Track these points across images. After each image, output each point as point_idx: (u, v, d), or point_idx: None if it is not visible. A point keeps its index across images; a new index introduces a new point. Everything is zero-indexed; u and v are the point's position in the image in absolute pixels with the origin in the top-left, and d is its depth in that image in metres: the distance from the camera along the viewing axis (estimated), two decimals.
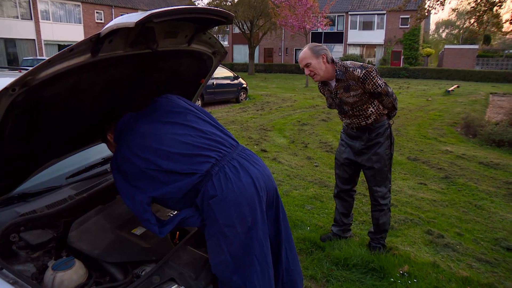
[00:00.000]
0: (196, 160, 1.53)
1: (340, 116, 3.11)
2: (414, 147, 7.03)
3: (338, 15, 36.27)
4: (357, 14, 35.93)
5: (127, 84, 1.82)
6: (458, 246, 3.38)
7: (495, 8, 9.24)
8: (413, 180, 5.17)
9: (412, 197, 4.54)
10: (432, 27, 64.43)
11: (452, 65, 32.27)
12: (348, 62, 2.86)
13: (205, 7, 1.61)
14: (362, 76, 2.77)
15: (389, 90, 2.89)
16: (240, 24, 28.89)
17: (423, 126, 9.28)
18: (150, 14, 1.32)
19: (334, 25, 36.45)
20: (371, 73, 2.76)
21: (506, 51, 41.13)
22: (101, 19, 30.92)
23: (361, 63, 2.85)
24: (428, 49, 38.75)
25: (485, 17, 9.89)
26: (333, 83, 2.89)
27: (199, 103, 12.04)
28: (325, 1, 18.98)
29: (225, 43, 41.39)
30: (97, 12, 30.73)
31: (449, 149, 6.92)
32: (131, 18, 1.31)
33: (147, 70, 1.84)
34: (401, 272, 2.92)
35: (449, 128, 9.11)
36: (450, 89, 18.12)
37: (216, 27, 28.28)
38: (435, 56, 42.88)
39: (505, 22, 9.53)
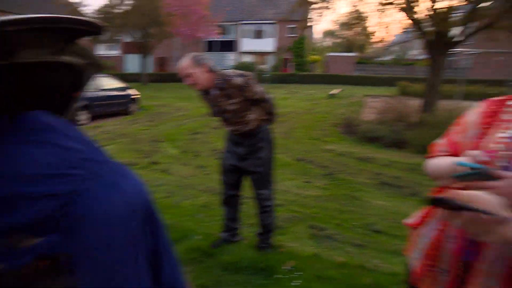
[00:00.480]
0: (59, 180, 1.43)
1: (224, 124, 3.19)
2: (301, 148, 7.55)
3: (231, 24, 37.27)
4: (249, 24, 37.39)
5: None
6: (337, 236, 3.70)
7: (363, 22, 10.47)
8: (300, 179, 5.54)
9: (299, 195, 4.85)
10: (319, 36, 70.06)
11: (335, 71, 35.52)
12: (229, 70, 2.95)
13: (70, 16, 1.52)
14: (242, 84, 2.87)
15: (267, 96, 3.06)
16: (132, 32, 27.80)
17: (310, 128, 10.02)
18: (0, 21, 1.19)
19: (227, 33, 37.36)
20: (250, 81, 2.89)
21: (378, 59, 46.71)
22: None
23: (241, 72, 2.96)
24: (315, 56, 42.05)
25: (356, 29, 11.11)
26: (214, 92, 2.96)
27: (86, 116, 11.24)
28: (218, 11, 19.33)
29: (116, 52, 39.48)
30: None
31: (332, 147, 7.60)
32: None
33: (5, 85, 1.66)
34: (286, 267, 3.09)
35: (333, 128, 9.99)
36: (333, 92, 19.89)
37: (106, 36, 26.81)
38: (321, 62, 46.59)
39: (372, 34, 10.84)
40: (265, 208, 3.25)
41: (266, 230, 3.33)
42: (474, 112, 1.37)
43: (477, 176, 1.08)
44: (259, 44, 37.45)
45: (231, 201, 3.37)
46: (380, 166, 6.30)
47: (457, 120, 1.42)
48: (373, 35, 10.82)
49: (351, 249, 3.45)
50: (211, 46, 36.91)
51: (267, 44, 37.46)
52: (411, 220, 1.49)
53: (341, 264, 3.15)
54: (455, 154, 1.35)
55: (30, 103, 1.96)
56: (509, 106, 1.28)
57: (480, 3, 8.43)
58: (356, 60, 39.67)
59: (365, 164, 6.36)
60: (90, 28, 1.70)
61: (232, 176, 3.26)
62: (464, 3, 9.10)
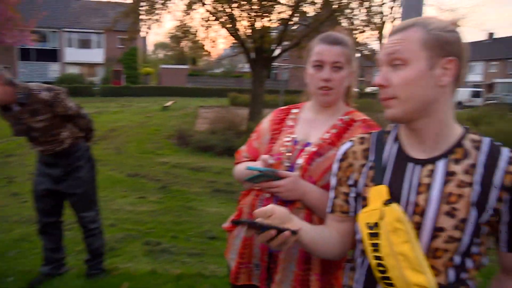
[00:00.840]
0: None
1: (31, 144, 2.81)
2: (134, 163, 7.27)
3: (51, 31, 33.27)
4: (74, 32, 34.08)
5: None
6: (173, 248, 3.68)
7: (190, 36, 10.81)
8: (133, 195, 5.32)
9: (132, 212, 4.65)
10: (151, 47, 68.96)
11: (169, 83, 35.57)
12: (34, 84, 2.63)
13: None
14: (50, 99, 2.58)
15: (82, 111, 2.82)
16: None
17: (143, 141, 9.76)
18: None
19: (48, 41, 33.27)
20: (60, 96, 2.62)
21: (210, 71, 48.98)
22: None
23: (49, 86, 2.66)
24: (147, 69, 41.23)
25: (184, 42, 11.40)
26: (16, 108, 2.57)
27: None
28: (33, 14, 16.94)
29: None
30: None
31: (166, 160, 7.56)
32: None
33: None
34: None
35: (166, 140, 9.97)
36: (166, 104, 19.88)
37: None
38: (155, 75, 46.04)
39: (200, 47, 11.28)
40: (91, 232, 2.99)
41: (96, 254, 3.07)
42: (266, 120, 1.56)
43: (265, 177, 1.24)
44: (86, 55, 34.43)
45: (49, 229, 2.98)
46: (213, 174, 6.58)
47: (256, 128, 1.60)
48: (202, 49, 11.33)
49: (188, 259, 3.48)
50: (27, 55, 32.20)
51: (96, 55, 34.83)
52: (227, 224, 1.60)
53: (178, 276, 3.14)
54: (255, 159, 1.52)
55: None
56: (293, 113, 1.51)
57: (288, 26, 9.75)
58: (189, 72, 40.66)
59: (199, 174, 6.55)
60: None
61: (48, 202, 2.89)
62: (277, 24, 10.37)
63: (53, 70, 33.56)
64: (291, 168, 1.35)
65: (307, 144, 1.37)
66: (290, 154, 1.37)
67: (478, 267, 0.96)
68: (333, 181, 1.14)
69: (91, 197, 2.96)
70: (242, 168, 1.50)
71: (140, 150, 8.58)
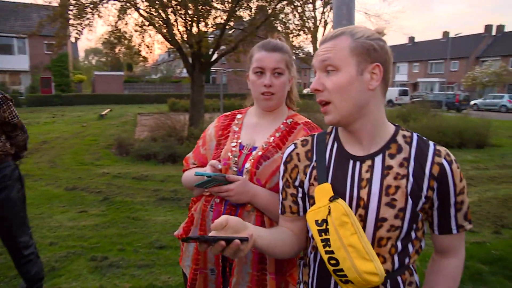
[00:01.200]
0: None
1: None
2: (72, 176, 6.88)
3: None
4: None
5: None
6: (121, 262, 3.55)
7: (125, 41, 10.45)
8: (73, 210, 5.04)
9: (73, 228, 4.41)
10: (82, 54, 65.57)
11: (104, 90, 34.04)
12: None
13: None
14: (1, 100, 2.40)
15: (23, 126, 2.63)
16: None
17: (80, 153, 9.25)
18: None
19: None
20: (9, 101, 2.44)
21: (147, 77, 47.63)
22: None
23: None
24: (80, 76, 39.13)
25: (118, 48, 10.99)
26: None
27: None
28: None
29: None
30: None
31: (106, 171, 7.24)
32: None
33: None
34: None
35: (105, 150, 9.54)
36: (103, 113, 19.02)
37: None
38: (88, 82, 43.83)
39: (135, 53, 10.94)
40: (27, 258, 2.70)
41: (34, 280, 2.80)
42: (211, 126, 1.60)
43: (214, 182, 1.28)
44: (8, 61, 31.66)
45: None
46: (157, 182, 6.43)
47: (202, 134, 1.63)
48: (138, 55, 10.99)
49: (138, 272, 3.39)
50: None
51: (20, 62, 32.21)
52: (178, 231, 1.61)
53: None
54: (203, 165, 1.55)
55: None
56: (237, 119, 1.56)
57: (225, 31, 9.82)
58: (124, 79, 39.23)
59: (142, 183, 6.37)
60: None
61: None
62: (213, 30, 10.40)
63: None
64: (239, 173, 1.39)
65: (253, 149, 1.42)
66: (237, 159, 1.41)
67: (417, 251, 1.06)
68: (281, 184, 1.20)
69: (23, 219, 2.69)
70: (190, 174, 1.52)
71: (77, 162, 8.12)
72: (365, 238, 0.97)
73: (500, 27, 45.32)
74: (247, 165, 1.38)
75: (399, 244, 1.01)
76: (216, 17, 9.90)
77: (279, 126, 1.45)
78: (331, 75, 1.00)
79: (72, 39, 11.26)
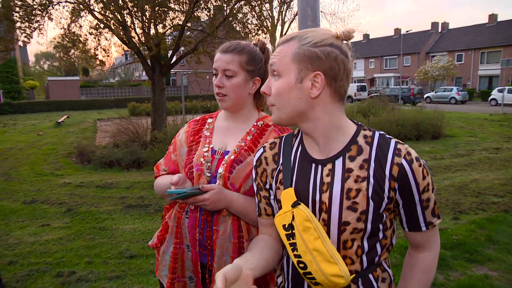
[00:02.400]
0: None
1: None
2: (30, 188, 6.54)
3: None
4: None
5: None
6: (90, 275, 3.42)
7: (80, 45, 10.03)
8: (34, 224, 4.79)
9: (35, 243, 4.19)
10: (32, 58, 62.44)
11: (59, 96, 32.63)
12: None
13: None
14: None
15: None
16: None
17: (37, 163, 8.81)
18: None
19: None
20: None
21: (104, 81, 46.14)
22: None
23: None
24: (32, 81, 37.29)
25: (72, 52, 10.55)
26: None
27: None
28: None
29: None
30: None
31: (67, 180, 6.94)
32: None
33: None
34: None
35: (65, 159, 9.14)
36: (60, 120, 18.23)
37: None
38: (41, 88, 41.85)
39: (91, 57, 10.53)
40: None
41: None
42: (182, 131, 1.57)
43: (188, 196, 1.23)
44: None
45: None
46: (123, 189, 6.25)
47: (173, 140, 1.59)
48: (94, 58, 10.57)
49: (109, 284, 3.28)
50: None
51: None
52: (152, 240, 1.57)
53: None
54: (174, 172, 1.53)
55: None
56: (208, 123, 1.54)
57: (183, 32, 9.68)
58: (80, 84, 37.79)
59: (107, 191, 6.17)
60: None
61: None
62: (171, 31, 10.22)
63: None
64: (213, 178, 1.37)
65: (226, 153, 1.41)
66: (210, 164, 1.39)
67: (388, 248, 1.07)
68: (254, 186, 1.21)
69: None
70: (162, 182, 1.50)
71: (35, 173, 7.72)
72: (328, 242, 0.97)
73: (445, 24, 47.89)
74: (220, 169, 1.36)
75: (365, 245, 1.01)
76: (173, 19, 9.75)
77: (250, 129, 1.44)
78: (276, 80, 1.02)
79: (20, 43, 10.69)
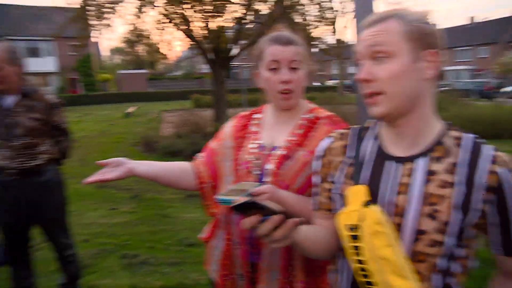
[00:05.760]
0: None
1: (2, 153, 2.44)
2: None
3: None
4: (19, 40, 32.37)
5: None
6: (151, 259, 3.60)
7: (145, 40, 10.59)
8: (104, 207, 5.15)
9: (105, 225, 4.50)
10: (106, 53, 66.90)
11: (128, 88, 34.67)
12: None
13: None
14: (55, 103, 2.49)
15: (70, 132, 2.69)
16: None
17: (108, 151, 9.45)
18: None
19: None
20: (61, 106, 2.54)
21: (170, 74, 48.23)
22: None
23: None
24: (105, 75, 40.00)
25: (139, 46, 11.14)
26: (12, 99, 2.40)
27: None
28: None
29: None
30: None
31: None
32: None
33: None
34: None
35: (132, 148, 9.71)
36: (129, 111, 19.37)
37: None
38: (113, 81, 44.77)
39: (155, 51, 11.05)
40: (68, 258, 2.78)
41: (72, 278, 2.89)
42: (228, 125, 1.51)
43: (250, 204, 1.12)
44: (37, 64, 32.61)
45: (19, 258, 2.75)
46: None
47: (220, 130, 1.56)
48: (159, 52, 11.10)
49: (168, 269, 3.42)
50: None
51: (47, 64, 33.27)
52: (203, 234, 1.56)
53: None
54: (209, 159, 1.48)
55: None
56: (255, 119, 1.47)
57: (243, 25, 9.78)
58: (148, 77, 39.81)
59: None
60: None
61: (18, 231, 2.62)
62: (232, 24, 10.37)
63: None
64: (261, 175, 1.31)
65: (274, 148, 1.33)
66: (259, 161, 1.32)
67: (465, 271, 0.93)
68: (314, 179, 1.12)
69: (64, 222, 2.76)
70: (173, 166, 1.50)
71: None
72: (400, 251, 0.86)
73: None
74: (269, 166, 1.29)
75: (441, 262, 0.88)
76: (233, 11, 9.84)
77: (299, 122, 1.36)
78: (383, 63, 0.88)
79: (94, 39, 11.49)
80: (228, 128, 1.50)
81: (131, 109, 20.11)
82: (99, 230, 4.35)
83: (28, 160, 2.48)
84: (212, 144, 1.52)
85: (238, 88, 20.68)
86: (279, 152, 1.31)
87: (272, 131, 1.39)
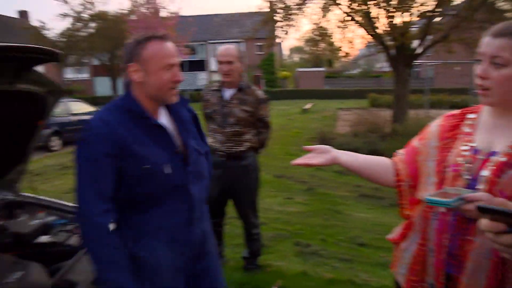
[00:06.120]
0: None
1: (212, 130, 2.94)
2: (280, 165, 7.57)
3: (198, 44, 37.46)
4: (216, 43, 37.65)
5: None
6: (323, 252, 3.69)
7: (327, 38, 10.80)
8: (281, 196, 5.53)
9: (281, 212, 4.84)
10: (287, 52, 71.40)
11: (306, 86, 36.15)
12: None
13: (23, 45, 1.47)
14: (263, 98, 2.86)
15: (270, 124, 3.02)
16: (99, 55, 27.41)
17: (286, 143, 10.10)
18: None
19: (195, 53, 37.52)
20: (268, 101, 2.89)
21: (346, 72, 48.09)
22: None
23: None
24: (285, 73, 42.71)
25: (321, 45, 11.44)
26: (230, 92, 2.87)
27: (58, 142, 10.93)
28: (185, 31, 19.43)
29: (85, 76, 38.75)
30: None
31: None
32: None
33: None
34: (275, 287, 3.05)
35: (308, 143, 10.08)
36: (306, 107, 20.20)
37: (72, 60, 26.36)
38: (292, 78, 47.36)
39: (337, 49, 11.17)
40: (253, 236, 3.16)
41: (254, 254, 3.25)
42: (435, 124, 1.40)
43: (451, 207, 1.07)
44: None
45: (213, 228, 3.23)
46: (358, 178, 6.34)
47: (423, 130, 1.46)
48: (339, 50, 11.27)
49: (338, 264, 3.45)
50: (181, 66, 36.88)
51: None
52: (392, 235, 1.50)
53: (330, 280, 3.13)
54: (410, 157, 1.41)
55: None
56: (469, 119, 1.32)
57: (432, 19, 8.88)
58: (325, 75, 40.60)
59: (344, 177, 6.45)
60: (46, 56, 1.66)
61: (217, 205, 3.02)
62: (418, 19, 9.55)
63: (201, 78, 37.63)
64: (472, 182, 1.17)
65: (492, 154, 1.17)
66: (471, 165, 1.19)
67: None
68: None
69: (255, 204, 3.11)
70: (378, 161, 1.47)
71: (284, 152, 8.90)
72: None
73: None
74: (485, 172, 1.15)
75: None
76: (422, 5, 9.03)
77: None
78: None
79: (280, 40, 12.31)
80: (434, 127, 1.40)
81: (307, 106, 20.93)
82: (275, 216, 4.70)
83: (235, 146, 2.89)
84: (415, 142, 1.45)
85: (419, 88, 19.10)
86: (498, 158, 1.17)
87: (489, 134, 1.24)
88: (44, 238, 2.06)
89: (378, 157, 1.54)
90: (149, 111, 1.54)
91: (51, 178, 6.98)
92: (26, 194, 2.50)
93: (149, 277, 1.51)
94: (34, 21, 32.31)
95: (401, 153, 1.47)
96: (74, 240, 2.05)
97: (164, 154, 1.52)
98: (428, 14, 8.90)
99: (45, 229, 2.15)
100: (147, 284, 1.50)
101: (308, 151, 1.42)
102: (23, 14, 37.90)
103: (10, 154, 2.12)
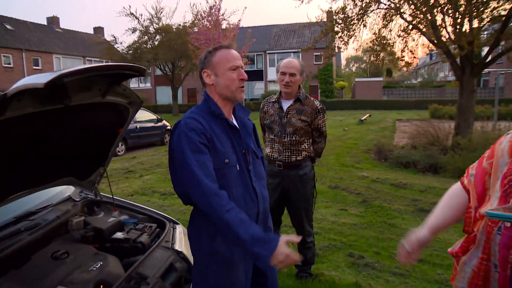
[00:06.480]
0: None
1: (271, 140, 3.07)
2: (334, 176, 7.53)
3: (257, 54, 38.16)
4: (275, 53, 38.11)
5: (43, 137, 1.85)
6: (376, 264, 3.67)
7: (388, 48, 10.53)
8: (335, 207, 5.53)
9: (335, 223, 4.84)
10: (343, 62, 70.34)
11: (363, 96, 35.34)
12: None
13: (116, 64, 1.72)
14: (320, 108, 2.97)
15: (326, 134, 3.11)
16: (161, 66, 29.00)
17: (341, 154, 9.98)
18: (60, 74, 1.37)
19: (254, 63, 38.21)
20: (324, 111, 3.00)
21: (406, 82, 46.28)
22: (10, 63, 29.27)
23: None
24: (342, 83, 42.09)
25: (381, 55, 11.18)
26: (288, 103, 3.00)
27: (122, 147, 11.73)
28: (243, 42, 19.97)
29: (148, 85, 41.04)
30: (4, 56, 29.04)
31: (365, 174, 7.54)
32: (40, 78, 1.34)
33: (62, 123, 1.89)
34: None
35: (364, 154, 9.92)
36: (363, 118, 19.78)
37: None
38: (349, 88, 46.51)
39: (398, 59, 10.85)
40: (307, 244, 3.23)
41: (307, 263, 3.31)
42: (506, 140, 1.35)
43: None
44: None
45: None
46: (416, 192, 6.20)
47: (492, 146, 1.43)
48: (399, 60, 10.89)
49: (392, 278, 3.41)
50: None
51: None
52: (453, 248, 1.50)
53: None
54: (480, 181, 1.38)
55: (86, 139, 2.17)
56: None
57: (507, 24, 8.33)
58: (383, 85, 39.42)
59: (400, 191, 6.28)
60: (133, 72, 1.90)
61: (274, 212, 3.05)
62: (489, 24, 9.02)
63: (258, 88, 38.19)
64: None
65: None
66: None
67: None
68: None
69: (310, 212, 3.18)
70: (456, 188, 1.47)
71: (339, 163, 8.83)
72: None
73: None
74: None
75: None
76: (494, 9, 8.49)
77: None
78: None
79: (338, 50, 12.21)
80: (504, 143, 1.35)
81: (364, 117, 20.49)
82: (329, 227, 4.72)
83: (292, 155, 3.00)
84: (483, 163, 1.42)
85: (487, 98, 17.89)
86: None
87: None
88: (119, 234, 2.29)
89: (449, 195, 1.56)
90: (225, 113, 1.76)
91: (116, 181, 7.52)
92: (103, 194, 2.81)
93: (227, 270, 1.69)
94: (107, 36, 35.09)
95: (471, 174, 1.46)
96: (144, 238, 2.26)
97: (235, 152, 1.73)
98: (501, 18, 8.37)
99: (119, 226, 2.41)
100: (225, 276, 1.68)
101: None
102: (98, 30, 41.31)
103: (93, 158, 2.41)
